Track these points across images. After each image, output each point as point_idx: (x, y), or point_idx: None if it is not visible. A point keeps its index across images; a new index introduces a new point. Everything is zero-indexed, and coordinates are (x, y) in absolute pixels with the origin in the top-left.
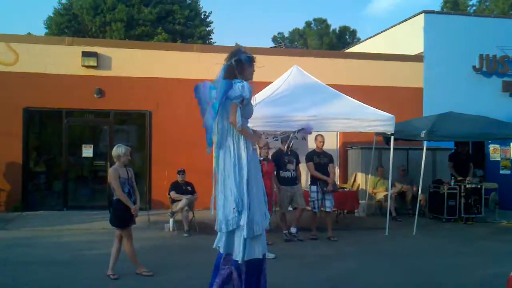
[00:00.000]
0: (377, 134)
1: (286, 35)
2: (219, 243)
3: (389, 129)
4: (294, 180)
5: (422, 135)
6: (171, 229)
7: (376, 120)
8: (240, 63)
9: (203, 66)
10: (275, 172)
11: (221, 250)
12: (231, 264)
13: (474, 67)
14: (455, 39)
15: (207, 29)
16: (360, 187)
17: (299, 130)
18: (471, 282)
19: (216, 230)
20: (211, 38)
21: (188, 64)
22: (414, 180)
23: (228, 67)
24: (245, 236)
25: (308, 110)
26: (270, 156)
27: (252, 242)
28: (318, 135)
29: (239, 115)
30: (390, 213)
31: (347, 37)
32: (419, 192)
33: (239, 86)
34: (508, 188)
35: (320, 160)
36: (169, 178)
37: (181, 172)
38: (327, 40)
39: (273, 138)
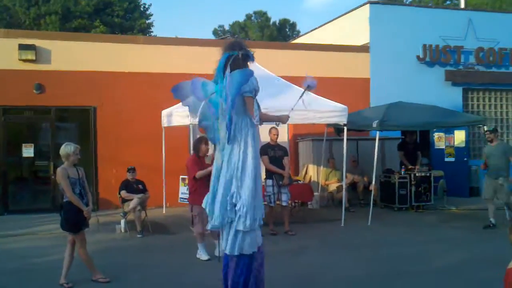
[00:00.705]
0: (329, 125)
1: (227, 28)
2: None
3: (343, 120)
4: None
5: (374, 125)
6: (123, 230)
7: (330, 111)
8: (246, 58)
9: (149, 58)
10: None
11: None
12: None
13: (418, 57)
14: (400, 30)
15: (147, 21)
16: (312, 179)
17: (306, 89)
18: (434, 270)
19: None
20: (152, 31)
21: (133, 57)
22: (365, 171)
23: (235, 59)
24: (241, 229)
25: (261, 102)
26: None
27: (244, 236)
28: (272, 127)
29: (257, 109)
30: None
31: (287, 30)
32: (373, 182)
33: (252, 79)
34: (453, 176)
35: (274, 154)
36: (117, 176)
37: (131, 170)
38: (267, 32)
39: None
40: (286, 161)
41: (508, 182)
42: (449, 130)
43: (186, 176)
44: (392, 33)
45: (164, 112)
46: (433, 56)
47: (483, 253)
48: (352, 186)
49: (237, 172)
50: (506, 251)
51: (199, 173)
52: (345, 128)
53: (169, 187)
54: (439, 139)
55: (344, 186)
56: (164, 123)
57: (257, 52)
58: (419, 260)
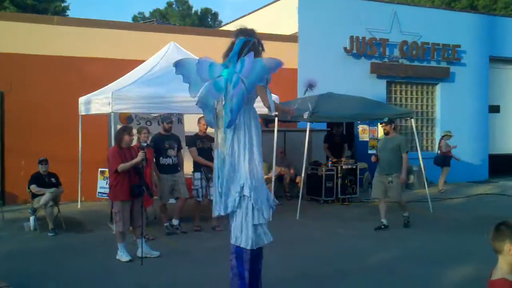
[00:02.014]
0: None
1: (147, 15)
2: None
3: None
4: (176, 168)
5: (306, 116)
6: (32, 228)
7: (260, 101)
8: (261, 46)
9: (65, 41)
10: (154, 159)
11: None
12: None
13: (345, 48)
14: (328, 20)
15: (62, 4)
16: None
17: (308, 88)
18: (368, 268)
19: (214, 216)
20: (67, 15)
21: (47, 39)
22: (292, 163)
23: (254, 44)
24: (254, 223)
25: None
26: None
27: (259, 229)
28: (201, 117)
29: (271, 97)
30: None
31: (209, 19)
32: (302, 174)
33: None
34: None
35: (203, 145)
36: (26, 168)
37: (43, 162)
38: (189, 21)
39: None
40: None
41: (398, 180)
42: (373, 122)
43: (105, 169)
44: (321, 24)
45: (82, 99)
46: (360, 48)
47: (412, 249)
48: (278, 178)
49: (241, 158)
50: (433, 246)
51: (121, 166)
52: (276, 119)
53: (85, 180)
54: (363, 132)
55: (273, 179)
56: (82, 111)
57: (185, 39)
58: (352, 257)
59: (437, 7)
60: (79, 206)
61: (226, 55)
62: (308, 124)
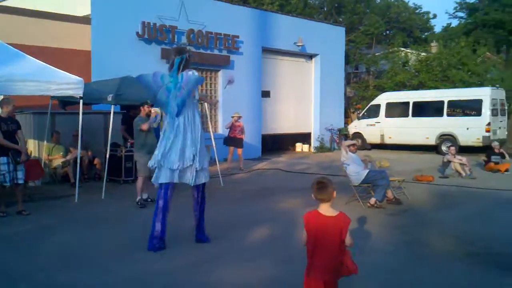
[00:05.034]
0: (53, 97)
1: None
2: (172, 179)
3: (79, 92)
4: None
5: (109, 99)
6: None
7: (65, 83)
8: (191, 58)
9: None
10: None
11: (176, 181)
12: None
13: (137, 33)
14: (121, 4)
15: None
16: (33, 155)
17: (227, 84)
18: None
19: (174, 168)
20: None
21: None
22: (89, 145)
23: (187, 61)
24: (197, 168)
25: None
26: None
27: (200, 173)
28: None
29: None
30: (70, 180)
31: None
32: (107, 156)
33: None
34: None
35: (8, 127)
36: None
37: None
38: None
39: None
40: (20, 135)
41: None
42: None
43: None
44: (114, 7)
45: None
46: (151, 34)
47: (212, 218)
48: (75, 160)
49: (189, 134)
50: (227, 214)
51: None
52: (81, 101)
53: None
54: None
55: (78, 161)
56: None
57: None
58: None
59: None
60: None
61: (170, 69)
62: (113, 106)
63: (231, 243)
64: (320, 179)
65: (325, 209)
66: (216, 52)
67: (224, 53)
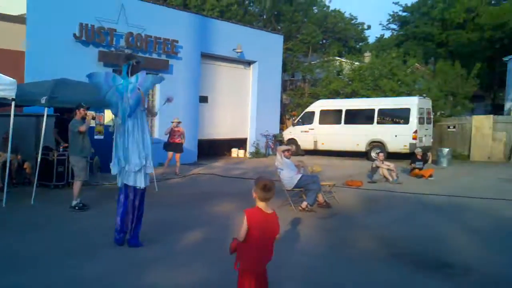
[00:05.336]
0: None
1: None
2: (129, 181)
3: (11, 94)
4: None
5: (43, 101)
6: None
7: None
8: (140, 64)
9: None
10: None
11: (131, 184)
12: (132, 191)
13: (75, 35)
14: (59, 4)
15: None
16: None
17: (166, 102)
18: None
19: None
20: None
21: None
22: (18, 148)
23: (134, 67)
24: (147, 172)
25: None
26: None
27: (146, 177)
28: None
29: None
30: None
31: None
32: (39, 159)
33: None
34: (103, 153)
35: None
36: None
37: None
38: None
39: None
40: None
41: None
42: (99, 109)
43: None
44: (51, 7)
45: None
46: (89, 36)
47: (154, 220)
48: (4, 164)
49: (139, 136)
50: (166, 217)
51: None
52: (13, 103)
53: None
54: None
55: (8, 165)
56: None
57: None
58: (94, 233)
59: (160, 3)
60: None
61: (120, 73)
62: (46, 109)
63: (165, 247)
64: (266, 181)
65: (265, 207)
66: (155, 56)
67: (163, 57)
